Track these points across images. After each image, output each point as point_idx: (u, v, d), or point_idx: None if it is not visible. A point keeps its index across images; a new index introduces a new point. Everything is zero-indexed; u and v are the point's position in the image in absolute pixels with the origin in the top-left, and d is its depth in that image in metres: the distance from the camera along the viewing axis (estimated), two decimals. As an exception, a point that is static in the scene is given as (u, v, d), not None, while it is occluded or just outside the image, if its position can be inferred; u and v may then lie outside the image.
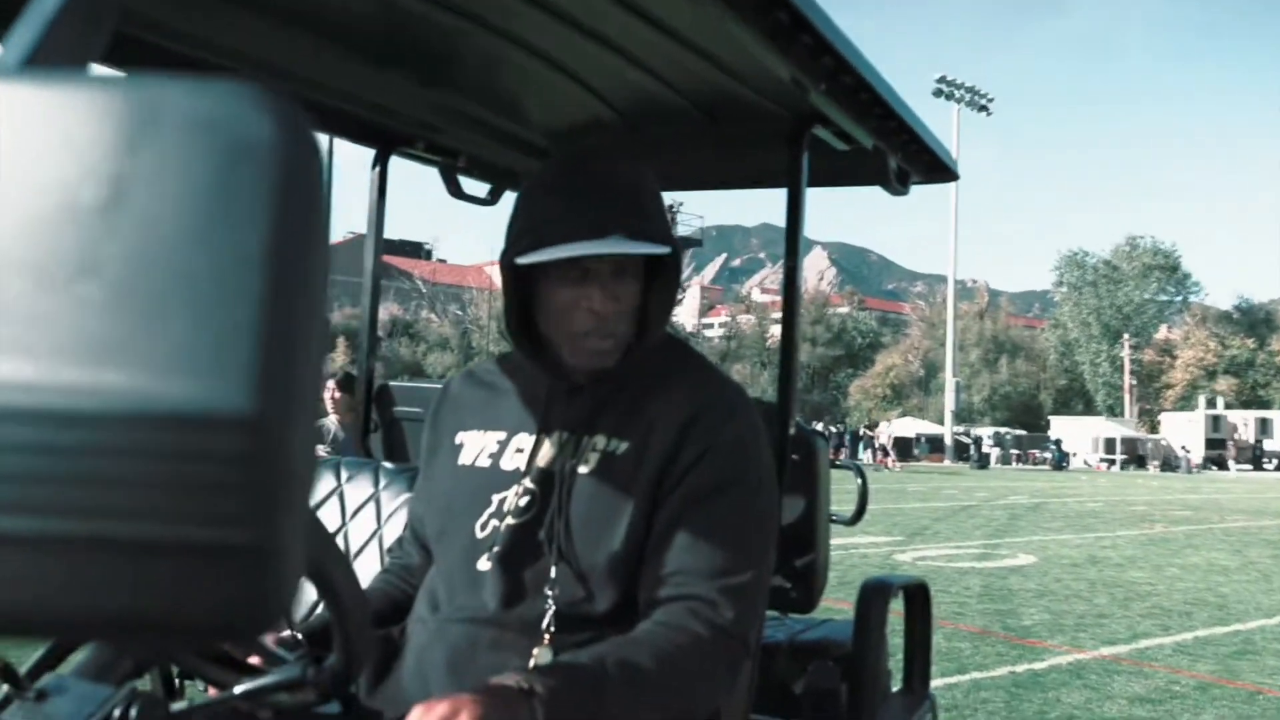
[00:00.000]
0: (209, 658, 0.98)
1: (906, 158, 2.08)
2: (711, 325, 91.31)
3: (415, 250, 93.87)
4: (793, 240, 1.93)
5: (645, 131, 2.22)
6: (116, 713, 0.82)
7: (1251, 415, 58.67)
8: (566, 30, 1.72)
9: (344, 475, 1.95)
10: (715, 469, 1.33)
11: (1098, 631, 7.16)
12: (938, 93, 60.33)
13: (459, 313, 67.54)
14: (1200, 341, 68.76)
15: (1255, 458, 53.67)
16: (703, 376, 1.46)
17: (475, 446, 1.45)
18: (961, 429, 55.19)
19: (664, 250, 1.33)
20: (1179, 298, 74.20)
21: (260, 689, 0.94)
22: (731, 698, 1.42)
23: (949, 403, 56.33)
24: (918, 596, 2.18)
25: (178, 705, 0.88)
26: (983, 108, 61.78)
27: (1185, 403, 64.62)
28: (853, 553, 11.15)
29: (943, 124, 60.00)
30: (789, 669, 1.83)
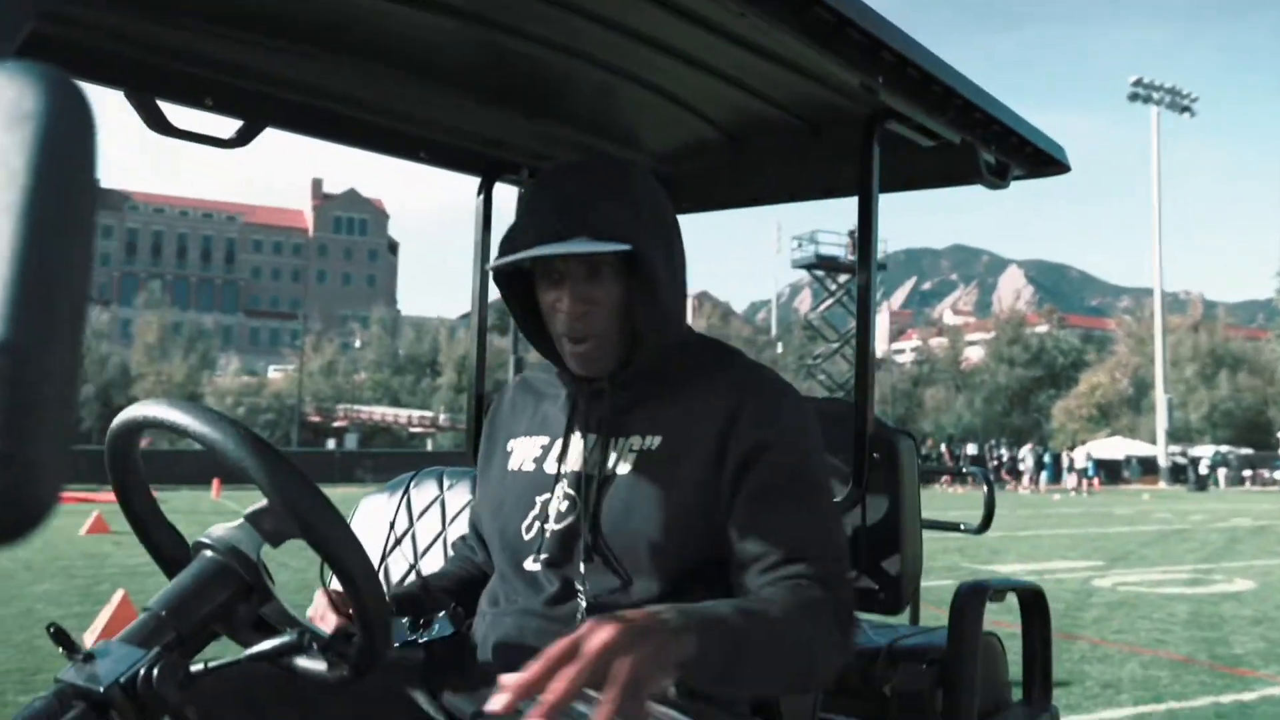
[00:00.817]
0: (242, 626, 1.06)
1: (1003, 150, 2.01)
2: (903, 350, 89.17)
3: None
4: (865, 244, 1.90)
5: (749, 146, 2.23)
6: (142, 671, 0.91)
7: None
8: (669, 59, 1.78)
9: (413, 482, 2.04)
10: (779, 455, 1.33)
11: (1318, 660, 6.55)
12: (1134, 96, 57.17)
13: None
14: None
15: None
16: (744, 368, 1.44)
17: (522, 451, 1.49)
18: (1178, 449, 51.71)
19: (620, 248, 1.29)
20: None
21: (263, 652, 1.01)
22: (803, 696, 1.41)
23: (1161, 421, 52.86)
24: (1032, 602, 2.07)
25: (196, 666, 0.95)
26: (1185, 108, 58.05)
27: None
28: (1047, 578, 10.64)
29: (1142, 129, 56.75)
30: (885, 673, 1.79)
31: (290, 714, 1.24)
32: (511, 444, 1.52)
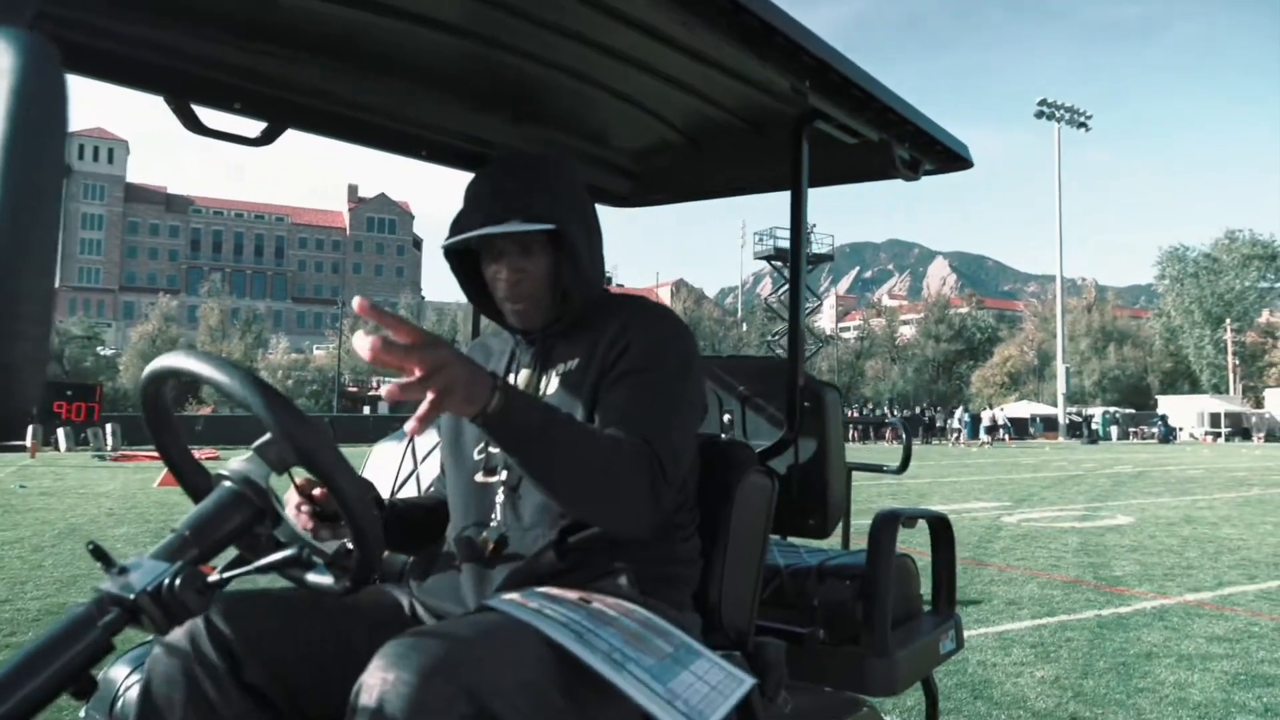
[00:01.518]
0: (259, 545, 1.05)
1: (916, 148, 1.98)
2: (848, 329, 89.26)
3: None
4: (796, 228, 1.88)
5: (704, 146, 2.21)
6: (166, 581, 0.90)
7: (1356, 389, 53.10)
8: (633, 70, 1.76)
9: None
10: (635, 355, 1.37)
11: (1184, 580, 6.63)
12: (1039, 114, 57.14)
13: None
14: (1302, 324, 62.73)
15: (1360, 428, 48.55)
16: (639, 303, 1.49)
17: None
18: (1074, 409, 52.14)
19: (544, 227, 1.36)
20: (1279, 284, 67.61)
21: (270, 564, 1.00)
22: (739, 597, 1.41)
23: (1060, 386, 53.29)
24: (939, 528, 2.08)
25: (213, 576, 0.94)
26: (1081, 124, 58.07)
27: (1289, 379, 58.92)
28: (965, 515, 10.73)
29: (1045, 144, 56.74)
30: (816, 588, 1.79)
31: (318, 626, 1.25)
32: None
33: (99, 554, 0.92)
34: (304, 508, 1.30)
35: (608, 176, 2.38)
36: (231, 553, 1.07)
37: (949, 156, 2.06)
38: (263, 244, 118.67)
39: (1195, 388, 62.75)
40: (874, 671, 1.62)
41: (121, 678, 1.41)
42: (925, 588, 2.19)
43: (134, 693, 1.39)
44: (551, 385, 1.42)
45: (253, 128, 1.77)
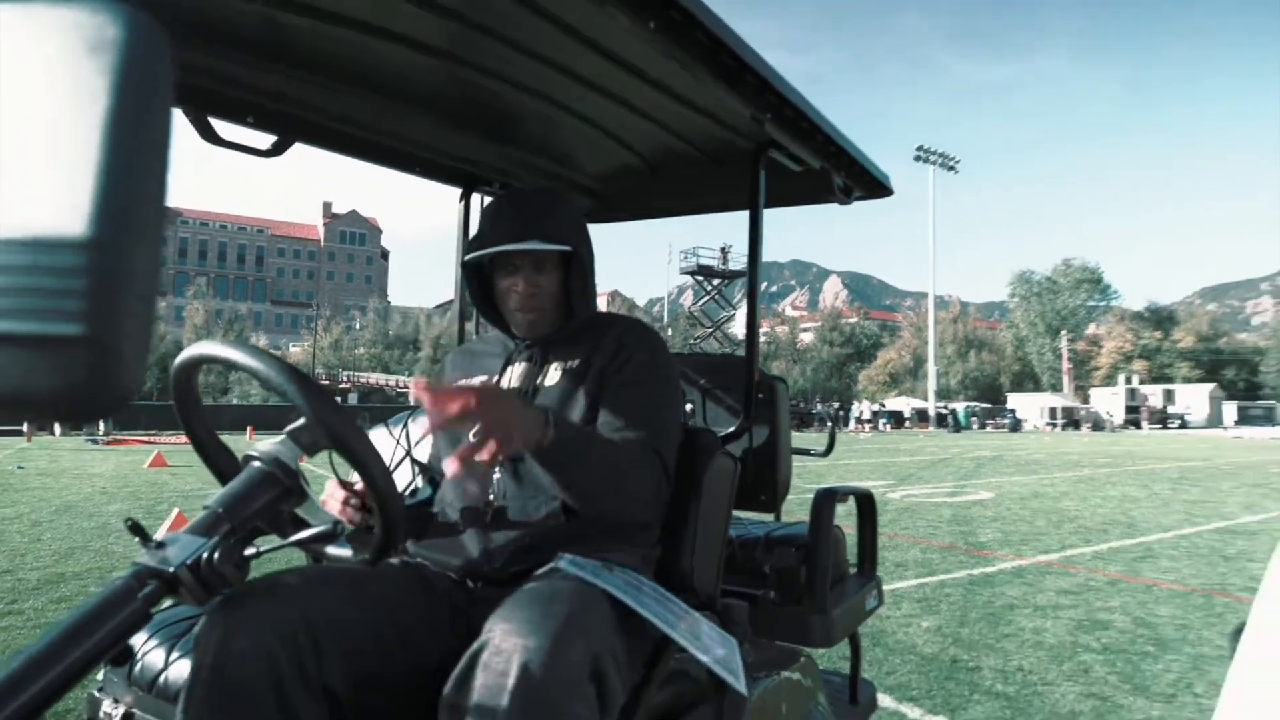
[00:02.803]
0: (283, 521, 0.97)
1: (850, 176, 1.98)
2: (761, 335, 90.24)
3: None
4: (754, 248, 1.86)
5: (662, 172, 2.17)
6: (205, 554, 0.82)
7: (1159, 388, 56.36)
8: (600, 98, 1.70)
9: (410, 418, 1.92)
10: (635, 367, 1.37)
11: (1036, 544, 6.87)
12: (917, 158, 58.76)
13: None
14: (1120, 335, 66.41)
15: (1162, 420, 51.47)
16: (631, 321, 1.49)
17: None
18: (942, 404, 53.77)
19: (562, 248, 1.36)
20: (1103, 303, 71.25)
21: (302, 539, 0.92)
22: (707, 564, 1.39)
23: (931, 385, 54.93)
24: (864, 503, 2.08)
25: (249, 550, 0.87)
26: (951, 168, 59.92)
27: (1110, 380, 62.13)
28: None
29: (922, 183, 58.67)
30: (764, 555, 1.77)
31: (372, 604, 1.15)
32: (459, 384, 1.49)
33: (137, 529, 0.84)
34: (349, 500, 1.24)
35: (576, 196, 2.33)
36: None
37: (875, 185, 2.07)
38: (245, 253, 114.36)
39: (1038, 386, 65.49)
40: (816, 627, 1.62)
41: (138, 644, 1.31)
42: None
43: (154, 658, 1.29)
44: (550, 379, 1.39)
45: (264, 140, 1.67)
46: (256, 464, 0.94)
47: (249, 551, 0.86)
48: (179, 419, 1.06)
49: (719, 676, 1.13)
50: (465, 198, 2.17)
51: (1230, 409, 53.80)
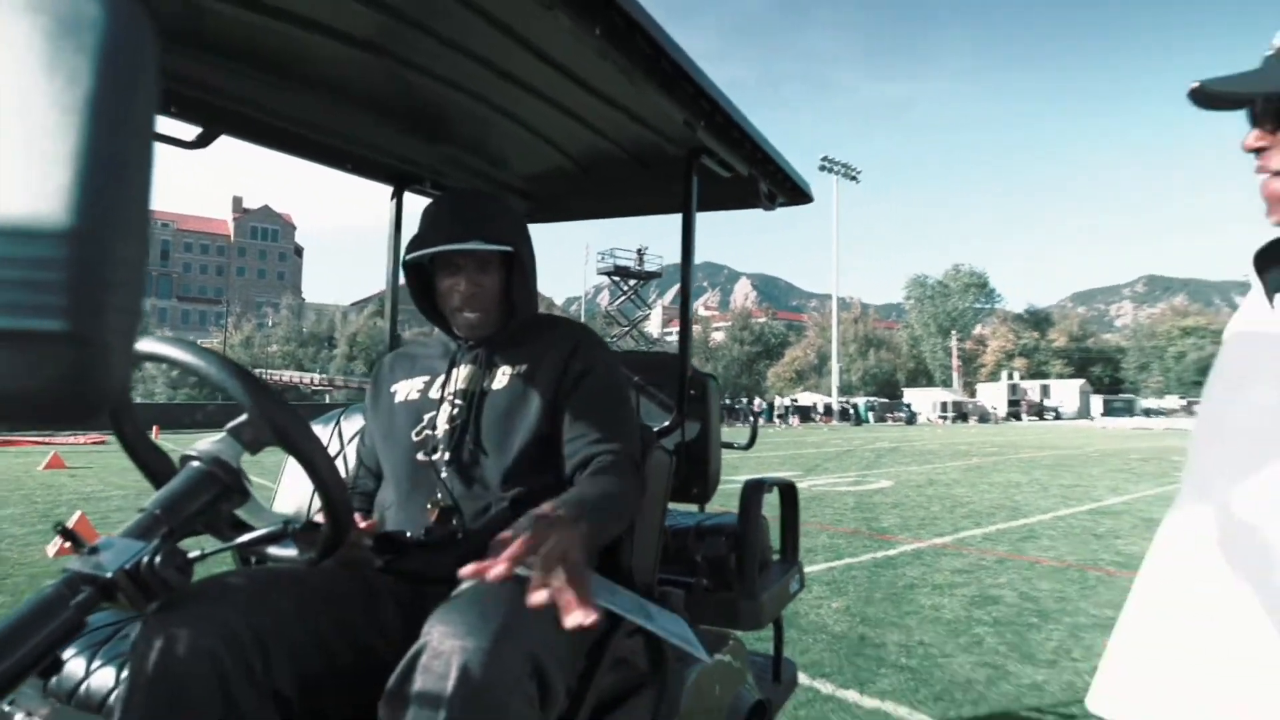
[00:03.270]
0: (222, 523, 0.92)
1: (774, 183, 2.01)
2: (671, 333, 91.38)
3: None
4: (687, 250, 1.87)
5: (594, 174, 2.16)
6: (145, 558, 0.77)
7: (1037, 383, 60.16)
8: (535, 100, 1.67)
9: (342, 415, 1.86)
10: (597, 377, 1.37)
11: (932, 528, 7.19)
12: (821, 167, 60.52)
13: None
14: (1003, 335, 70.40)
15: (1039, 412, 54.82)
16: (577, 326, 1.48)
17: (405, 389, 1.44)
18: (845, 399, 55.61)
19: (504, 249, 1.34)
20: (988, 305, 75.34)
21: (251, 540, 0.88)
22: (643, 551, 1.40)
23: (835, 381, 56.76)
24: (788, 493, 2.14)
25: (193, 554, 0.82)
26: (853, 177, 61.96)
27: (994, 376, 65.79)
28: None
29: (826, 191, 60.52)
30: (695, 545, 1.79)
31: (317, 607, 1.09)
32: (395, 388, 1.46)
33: (67, 534, 0.78)
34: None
35: (508, 196, 2.29)
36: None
37: (797, 192, 2.11)
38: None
39: (931, 382, 68.68)
40: (746, 611, 1.64)
41: (102, 640, 1.22)
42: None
43: (74, 667, 1.20)
44: (497, 383, 1.36)
45: (188, 132, 1.57)
46: (195, 464, 0.89)
47: (194, 554, 0.81)
48: (109, 420, 0.99)
49: (667, 655, 1.14)
50: (397, 196, 2.10)
51: (1097, 402, 57.82)
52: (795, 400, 53.40)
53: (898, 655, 3.61)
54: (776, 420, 42.67)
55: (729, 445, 2.54)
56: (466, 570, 0.88)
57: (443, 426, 1.32)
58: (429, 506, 1.26)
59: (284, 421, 0.88)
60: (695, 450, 1.75)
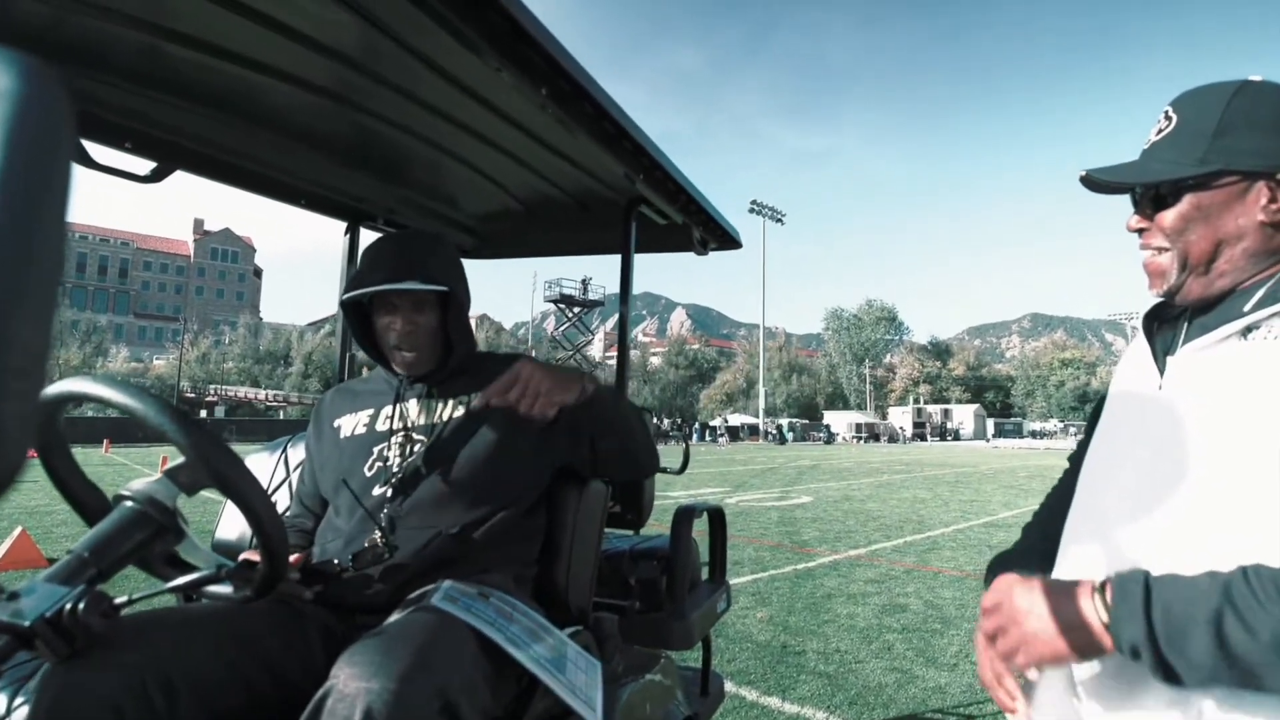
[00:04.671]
0: (157, 562, 0.85)
1: (706, 231, 2.03)
2: (612, 358, 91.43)
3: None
4: (625, 288, 1.87)
5: (538, 215, 2.14)
6: (68, 606, 0.70)
7: (939, 408, 62.24)
8: (484, 147, 1.65)
9: (289, 443, 1.77)
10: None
11: (848, 541, 7.29)
12: (751, 210, 61.88)
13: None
14: (910, 364, 72.76)
15: (942, 433, 56.70)
16: (511, 358, 1.42)
17: (351, 423, 1.37)
18: (769, 420, 56.44)
19: (439, 288, 1.30)
20: (897, 337, 77.98)
21: (187, 583, 0.81)
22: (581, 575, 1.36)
23: (761, 403, 57.62)
24: (716, 517, 2.12)
25: (120, 598, 0.75)
26: (779, 219, 63.52)
27: (902, 400, 67.93)
28: (699, 498, 11.16)
29: (755, 231, 61.77)
30: (629, 568, 1.76)
31: (237, 646, 1.01)
32: (338, 422, 1.39)
33: None
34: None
35: (457, 234, 2.25)
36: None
37: (727, 239, 2.13)
38: (107, 264, 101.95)
39: (847, 405, 70.49)
40: (676, 631, 1.62)
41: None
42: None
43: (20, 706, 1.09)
44: (448, 414, 1.31)
45: (142, 166, 1.48)
46: (129, 503, 0.82)
47: (119, 600, 0.74)
48: (40, 459, 0.90)
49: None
50: (351, 231, 2.03)
51: (991, 424, 60.17)
52: (726, 420, 53.97)
53: (816, 662, 3.63)
54: (709, 439, 42.94)
55: (662, 470, 2.52)
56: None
57: (394, 460, 1.27)
58: (368, 544, 1.19)
59: (221, 464, 0.82)
60: (629, 480, 1.73)
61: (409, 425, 1.31)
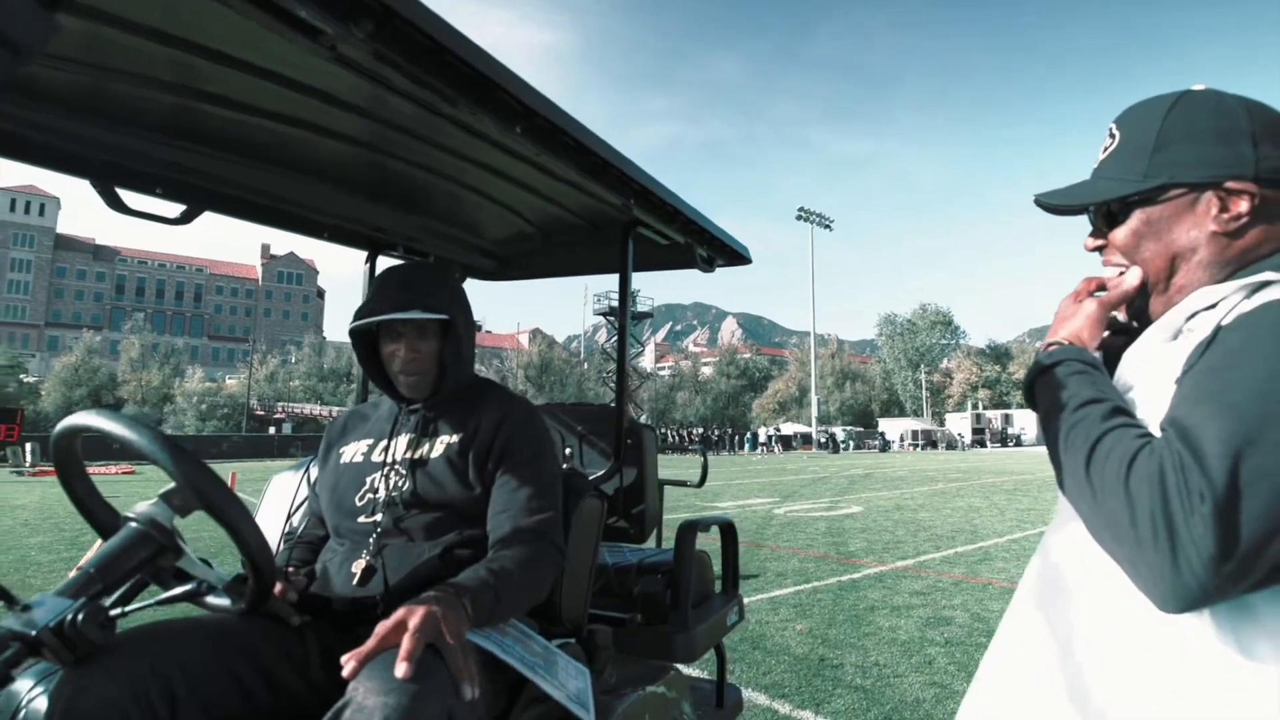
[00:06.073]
0: (164, 576, 0.93)
1: (711, 248, 2.06)
2: (663, 369, 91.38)
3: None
4: (623, 306, 1.91)
5: (553, 238, 2.20)
6: (69, 616, 0.78)
7: (999, 413, 60.04)
8: (496, 178, 1.73)
9: (312, 462, 1.86)
10: (519, 450, 1.36)
11: (896, 552, 7.13)
12: (798, 217, 61.24)
13: (499, 364, 66.71)
14: (967, 368, 70.55)
15: (1002, 439, 54.74)
16: (508, 397, 1.47)
17: (352, 451, 1.45)
18: (823, 428, 55.49)
19: (440, 317, 1.36)
20: (953, 341, 75.69)
21: (175, 596, 0.89)
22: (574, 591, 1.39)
23: (814, 411, 56.71)
24: (727, 529, 2.13)
25: (116, 610, 0.82)
26: (827, 226, 62.66)
27: (960, 406, 65.84)
28: (746, 508, 11.09)
29: (803, 238, 60.99)
30: (634, 580, 1.79)
31: (236, 655, 1.09)
32: (343, 449, 1.47)
33: (2, 594, 0.78)
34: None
35: (478, 258, 2.33)
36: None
37: (734, 255, 2.16)
38: (183, 290, 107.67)
39: (902, 412, 68.68)
40: (678, 644, 1.63)
41: (26, 690, 1.21)
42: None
43: (39, 704, 1.19)
44: (435, 450, 1.37)
45: (172, 209, 1.60)
46: (133, 524, 0.90)
47: (115, 612, 0.82)
48: (60, 482, 1.00)
49: (593, 688, 1.14)
50: (371, 260, 2.13)
51: (1055, 430, 57.60)
52: (778, 429, 53.33)
53: (854, 675, 3.57)
54: (761, 449, 42.48)
55: (682, 483, 2.55)
56: (346, 662, 0.93)
57: (383, 491, 1.34)
58: (359, 563, 1.26)
59: (208, 490, 0.89)
60: (632, 494, 1.76)
61: (397, 460, 1.37)
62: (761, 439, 45.11)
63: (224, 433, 45.10)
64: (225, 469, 22.50)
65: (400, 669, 0.91)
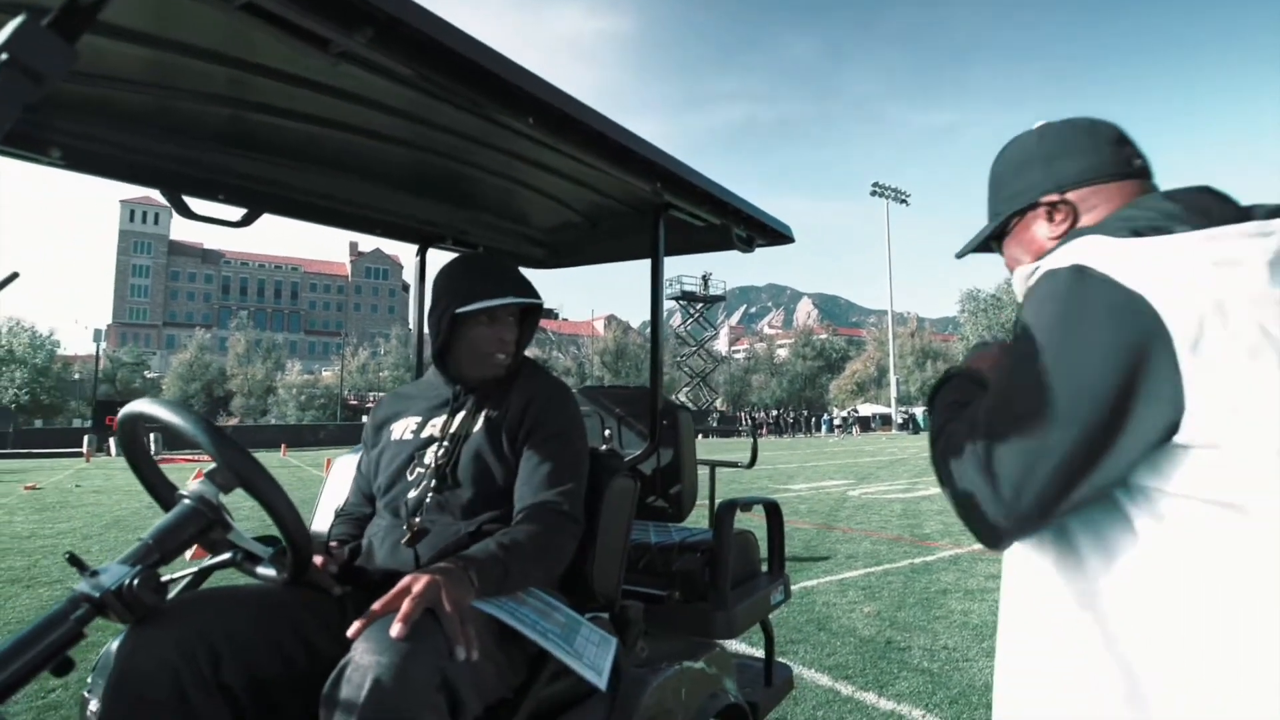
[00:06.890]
0: (219, 546, 1.02)
1: (749, 228, 2.03)
2: (739, 352, 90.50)
3: (549, 314, 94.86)
4: (656, 290, 1.91)
5: (600, 225, 2.23)
6: (127, 581, 0.87)
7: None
8: (544, 172, 1.77)
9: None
10: (545, 425, 1.41)
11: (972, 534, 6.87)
12: (873, 193, 59.20)
13: (575, 351, 67.78)
14: (1060, 344, 66.77)
15: (1102, 418, 51.65)
16: (545, 378, 1.51)
17: (401, 428, 1.50)
18: (903, 409, 53.82)
19: (540, 302, 1.46)
20: (1044, 316, 71.48)
21: (214, 564, 0.97)
22: (607, 567, 1.43)
23: (893, 392, 55.02)
24: (772, 510, 2.11)
25: (167, 575, 0.91)
26: (903, 201, 60.33)
27: (1052, 384, 62.39)
28: (820, 490, 10.92)
29: (879, 214, 58.99)
30: (673, 558, 1.80)
31: (279, 623, 1.18)
32: (392, 426, 1.53)
33: (75, 561, 0.88)
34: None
35: (528, 247, 2.38)
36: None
37: (775, 234, 2.12)
38: (281, 288, 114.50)
39: (988, 391, 65.56)
40: (717, 621, 1.64)
41: (110, 649, 1.35)
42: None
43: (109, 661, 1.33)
44: (477, 427, 1.43)
45: (234, 213, 1.72)
46: (185, 501, 0.99)
47: (166, 578, 0.91)
48: (129, 464, 1.10)
49: (622, 662, 1.17)
50: (422, 253, 2.21)
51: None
52: (855, 410, 52.05)
53: (921, 659, 3.48)
54: (837, 430, 41.58)
55: (731, 464, 2.54)
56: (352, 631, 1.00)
57: (431, 465, 1.40)
58: (405, 529, 1.33)
59: (245, 470, 0.97)
60: (668, 474, 1.77)
61: (446, 435, 1.43)
62: (836, 420, 44.08)
63: (321, 421, 47.73)
64: (322, 456, 23.82)
65: (395, 629, 0.96)
